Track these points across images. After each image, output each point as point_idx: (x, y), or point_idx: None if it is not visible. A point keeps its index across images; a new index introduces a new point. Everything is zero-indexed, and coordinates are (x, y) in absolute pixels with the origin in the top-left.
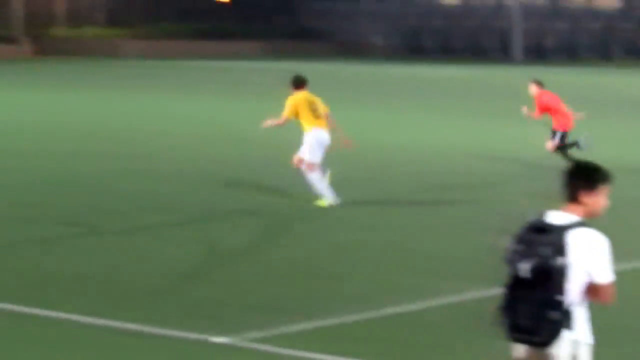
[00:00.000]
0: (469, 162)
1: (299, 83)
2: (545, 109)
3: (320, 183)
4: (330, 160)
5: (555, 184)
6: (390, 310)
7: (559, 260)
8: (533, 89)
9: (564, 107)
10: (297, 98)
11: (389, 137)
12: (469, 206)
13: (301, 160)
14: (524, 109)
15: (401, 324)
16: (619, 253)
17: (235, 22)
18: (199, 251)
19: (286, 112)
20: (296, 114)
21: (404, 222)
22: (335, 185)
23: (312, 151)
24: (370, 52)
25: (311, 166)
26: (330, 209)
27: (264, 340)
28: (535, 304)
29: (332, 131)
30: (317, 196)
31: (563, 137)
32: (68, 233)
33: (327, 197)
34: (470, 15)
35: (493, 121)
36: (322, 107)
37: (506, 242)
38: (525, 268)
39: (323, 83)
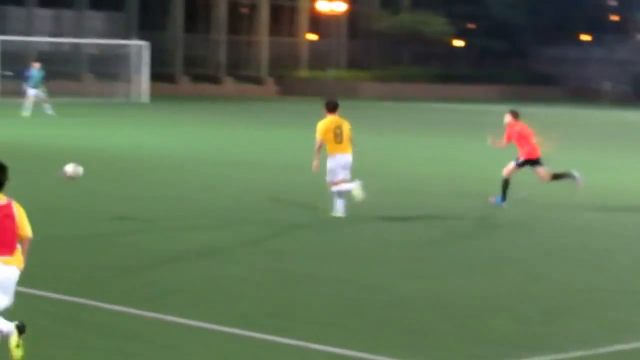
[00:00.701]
0: None
1: (331, 107)
2: (516, 139)
3: (337, 198)
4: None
5: None
6: (616, 347)
7: None
8: (507, 118)
9: (533, 140)
10: (326, 123)
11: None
12: None
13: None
14: (489, 138)
15: None
16: None
17: (468, 66)
18: (426, 286)
19: (319, 136)
20: (324, 138)
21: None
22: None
23: (332, 174)
24: (599, 97)
25: (331, 184)
26: (549, 250)
27: None
28: None
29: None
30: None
31: (523, 163)
32: (313, 272)
33: (338, 210)
34: None
35: None
36: (346, 132)
37: None
38: None
39: (555, 126)
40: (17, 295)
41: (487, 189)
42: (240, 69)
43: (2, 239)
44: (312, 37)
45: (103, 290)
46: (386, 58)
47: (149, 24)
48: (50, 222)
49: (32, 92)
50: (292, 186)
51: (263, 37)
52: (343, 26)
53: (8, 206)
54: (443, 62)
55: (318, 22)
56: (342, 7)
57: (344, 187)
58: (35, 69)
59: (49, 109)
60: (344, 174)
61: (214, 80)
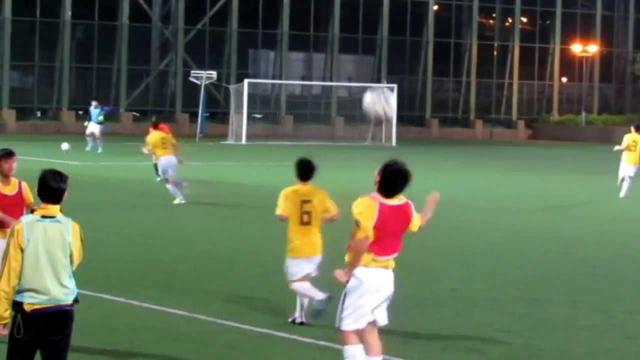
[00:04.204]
0: None
1: (155, 125)
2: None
3: (174, 189)
4: None
5: None
6: None
7: None
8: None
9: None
10: (152, 136)
11: None
12: None
13: (167, 180)
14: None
15: None
16: None
17: None
18: None
19: (149, 146)
20: (153, 147)
21: None
22: None
23: (164, 171)
24: None
25: (167, 180)
26: None
27: None
28: None
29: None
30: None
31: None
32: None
33: (178, 198)
34: None
35: None
36: (170, 140)
37: None
38: None
39: None
40: (275, 339)
41: None
42: (490, 112)
43: (391, 242)
44: (563, 79)
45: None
46: (638, 101)
47: (398, 67)
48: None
49: (92, 127)
50: (544, 231)
51: (514, 80)
52: (595, 69)
53: (407, 205)
54: None
55: (569, 64)
56: (594, 49)
57: (172, 190)
58: (92, 107)
59: (92, 145)
60: (172, 172)
61: (464, 123)
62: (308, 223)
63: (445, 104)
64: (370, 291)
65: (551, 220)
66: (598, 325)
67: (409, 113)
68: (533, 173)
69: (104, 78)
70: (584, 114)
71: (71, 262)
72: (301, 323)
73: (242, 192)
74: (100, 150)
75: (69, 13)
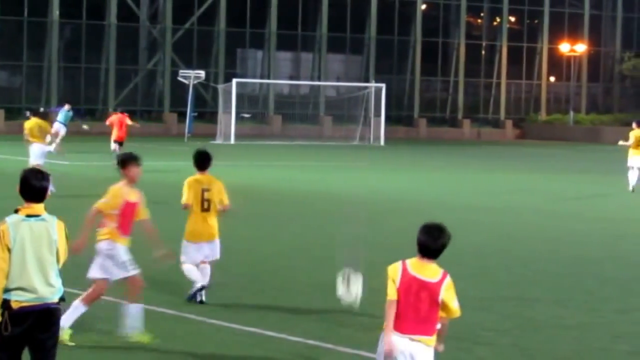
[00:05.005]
0: None
1: (42, 115)
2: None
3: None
4: None
5: None
6: None
7: None
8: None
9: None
10: (30, 124)
11: None
12: None
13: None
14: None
15: None
16: None
17: None
18: None
19: (26, 130)
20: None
21: None
22: None
23: (36, 156)
24: None
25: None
26: None
27: None
28: None
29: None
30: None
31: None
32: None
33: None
34: None
35: None
36: (48, 129)
37: None
38: None
39: None
40: (264, 338)
41: None
42: (478, 112)
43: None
44: (551, 79)
45: (341, 333)
46: (626, 100)
47: (386, 66)
48: (291, 266)
49: (59, 128)
50: (532, 230)
51: (502, 79)
52: (583, 68)
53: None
54: None
55: (557, 64)
56: (582, 49)
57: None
58: (66, 109)
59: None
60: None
61: (452, 123)
62: (207, 210)
63: (433, 103)
64: None
65: (539, 220)
66: (586, 324)
67: (397, 112)
68: (521, 173)
69: (92, 78)
70: (571, 113)
71: (57, 260)
72: (200, 302)
73: (230, 192)
74: (52, 150)
75: (57, 12)
